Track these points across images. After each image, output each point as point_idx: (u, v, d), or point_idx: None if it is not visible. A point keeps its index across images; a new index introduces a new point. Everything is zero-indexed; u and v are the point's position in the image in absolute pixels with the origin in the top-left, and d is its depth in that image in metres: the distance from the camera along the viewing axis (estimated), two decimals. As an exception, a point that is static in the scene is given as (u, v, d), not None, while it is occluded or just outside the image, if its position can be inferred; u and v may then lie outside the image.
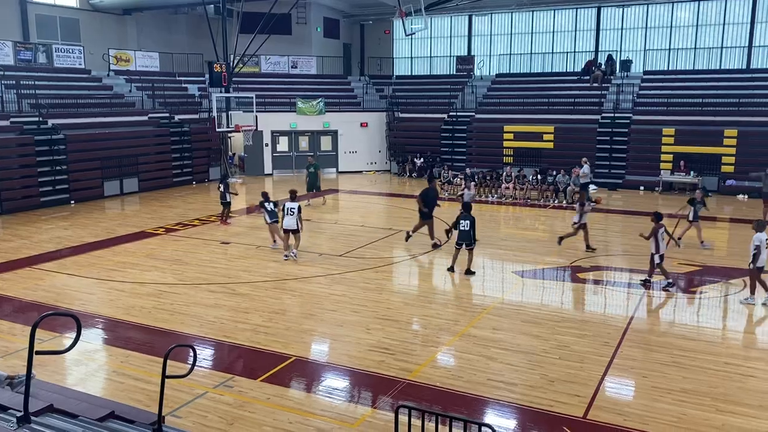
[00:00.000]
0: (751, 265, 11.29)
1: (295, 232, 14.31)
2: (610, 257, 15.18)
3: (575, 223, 15.37)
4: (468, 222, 13.26)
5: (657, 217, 12.45)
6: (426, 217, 15.81)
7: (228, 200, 18.51)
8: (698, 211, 15.77)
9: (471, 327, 10.29)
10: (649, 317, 10.98)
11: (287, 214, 14.21)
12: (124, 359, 9.04)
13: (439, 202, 16.70)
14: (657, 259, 12.20)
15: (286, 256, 14.42)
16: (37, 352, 3.81)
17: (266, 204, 15.34)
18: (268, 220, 15.31)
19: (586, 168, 22.66)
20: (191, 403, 7.63)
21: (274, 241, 15.54)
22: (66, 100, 24.28)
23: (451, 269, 13.54)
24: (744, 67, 29.08)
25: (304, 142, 31.06)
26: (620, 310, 11.41)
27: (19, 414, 3.74)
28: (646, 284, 12.52)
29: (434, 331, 10.16)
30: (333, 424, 7.21)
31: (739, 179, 23.48)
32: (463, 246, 13.35)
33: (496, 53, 34.60)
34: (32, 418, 3.76)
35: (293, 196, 14.76)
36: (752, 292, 11.54)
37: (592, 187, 23.03)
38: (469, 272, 13.31)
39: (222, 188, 18.52)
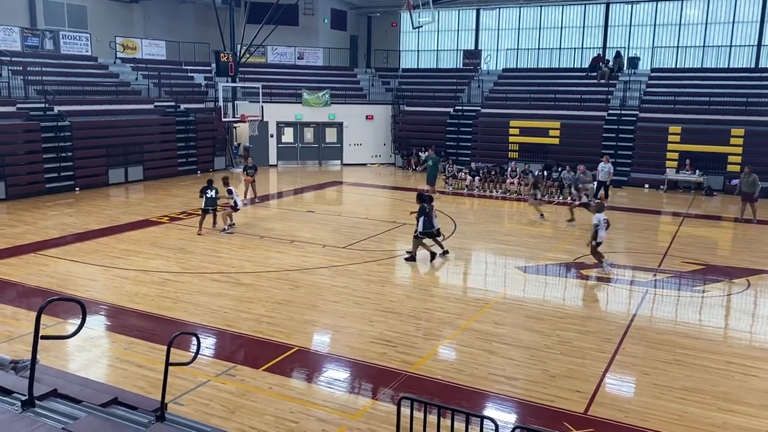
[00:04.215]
0: (593, 242, 13.14)
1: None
2: (613, 254, 15.15)
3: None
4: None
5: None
6: None
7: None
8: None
9: (473, 321, 10.30)
10: (651, 315, 10.97)
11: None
12: (127, 346, 9.08)
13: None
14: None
15: None
16: (43, 337, 3.82)
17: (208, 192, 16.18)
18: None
19: (608, 167, 21.87)
20: (193, 391, 7.66)
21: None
22: (72, 87, 24.28)
23: (413, 258, 13.89)
24: (753, 66, 28.94)
25: (309, 134, 31.05)
26: (623, 307, 11.40)
27: (23, 398, 3.77)
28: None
29: (436, 325, 10.17)
30: (334, 414, 7.24)
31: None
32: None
33: (504, 48, 34.50)
34: (36, 402, 3.78)
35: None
36: (600, 261, 13.27)
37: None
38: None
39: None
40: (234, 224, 16.55)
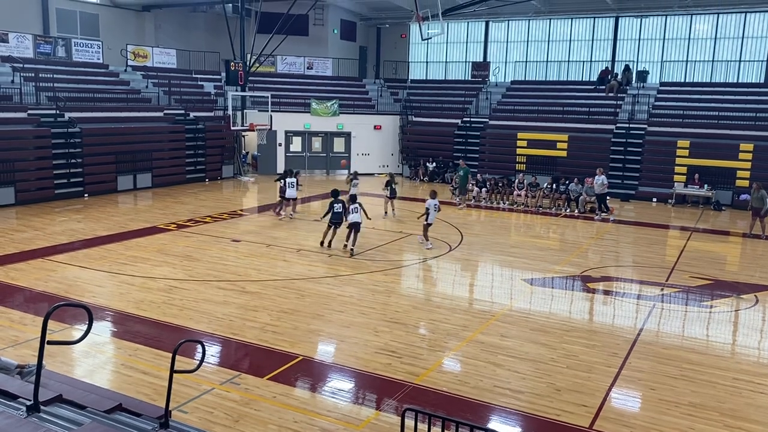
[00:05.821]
0: (425, 222, 16.06)
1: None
2: (620, 268, 15.09)
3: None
4: (340, 205, 15.65)
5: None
6: None
7: (287, 195, 19.07)
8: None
9: (479, 333, 10.27)
10: (658, 329, 10.89)
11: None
12: (132, 353, 9.09)
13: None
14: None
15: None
16: (49, 342, 3.83)
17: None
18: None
19: (602, 179, 21.94)
20: (197, 399, 7.66)
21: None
22: (83, 94, 24.49)
23: (323, 244, 15.66)
24: (762, 81, 28.87)
25: (317, 143, 31.17)
26: (629, 322, 11.34)
27: (29, 403, 3.77)
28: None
29: (442, 336, 10.14)
30: (338, 425, 7.21)
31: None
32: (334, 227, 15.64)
33: (512, 60, 34.56)
34: (42, 407, 3.79)
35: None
36: (426, 239, 16.13)
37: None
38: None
39: (282, 183, 19.31)
40: (291, 215, 19.37)
